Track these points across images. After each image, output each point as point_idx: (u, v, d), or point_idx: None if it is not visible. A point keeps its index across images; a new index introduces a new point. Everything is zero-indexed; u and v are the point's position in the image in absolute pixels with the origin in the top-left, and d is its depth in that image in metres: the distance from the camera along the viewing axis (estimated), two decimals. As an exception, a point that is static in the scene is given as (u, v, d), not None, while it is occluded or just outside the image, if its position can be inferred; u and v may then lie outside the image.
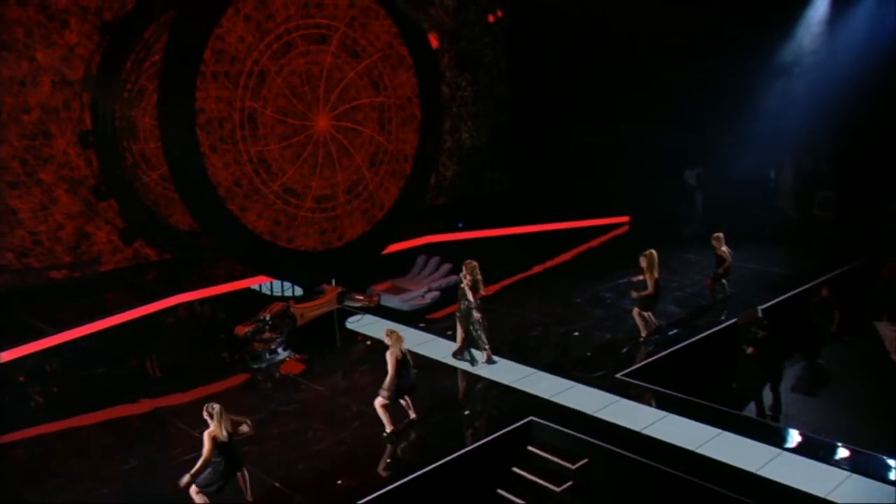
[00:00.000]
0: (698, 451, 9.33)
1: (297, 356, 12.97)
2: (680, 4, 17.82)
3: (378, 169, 14.65)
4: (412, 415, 10.35)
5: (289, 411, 11.31)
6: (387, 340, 9.95)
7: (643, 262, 12.42)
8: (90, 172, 13.60)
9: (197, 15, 12.39)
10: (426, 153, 15.24)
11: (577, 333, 13.27)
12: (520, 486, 9.96)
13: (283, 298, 14.08)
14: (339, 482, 9.33)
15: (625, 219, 19.56)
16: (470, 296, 11.98)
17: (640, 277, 12.58)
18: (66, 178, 13.35)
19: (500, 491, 9.93)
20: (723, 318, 13.37)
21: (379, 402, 10.13)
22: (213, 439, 8.07)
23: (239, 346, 12.76)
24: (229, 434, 8.24)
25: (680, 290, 15.02)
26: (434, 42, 18.43)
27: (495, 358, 12.05)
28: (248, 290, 14.37)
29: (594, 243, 18.63)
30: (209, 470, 8.32)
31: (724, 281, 14.15)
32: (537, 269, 17.23)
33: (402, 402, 10.32)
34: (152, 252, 14.42)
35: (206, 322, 13.89)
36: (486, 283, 16.04)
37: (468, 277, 12.04)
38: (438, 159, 16.52)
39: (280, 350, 12.81)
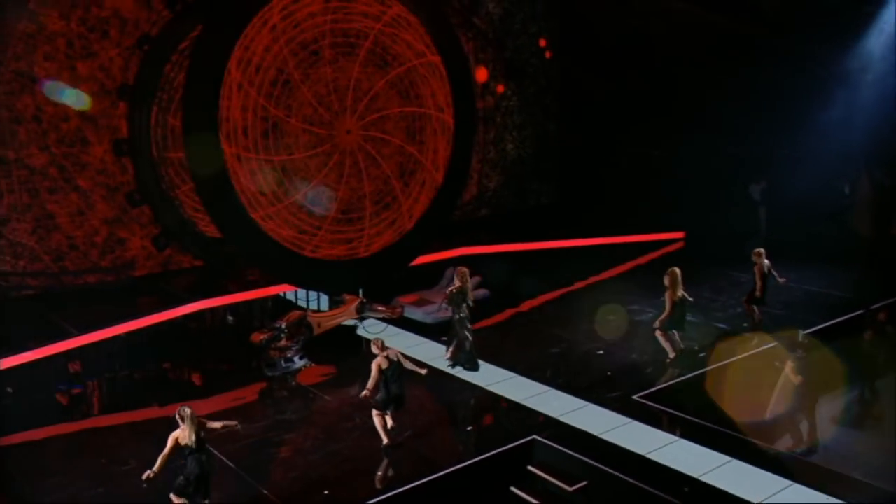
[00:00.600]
0: (701, 478, 8.77)
1: (313, 365, 12.91)
2: (739, 10, 17.02)
3: (407, 179, 14.48)
4: (389, 422, 10.06)
5: (293, 420, 11.27)
6: (374, 349, 9.89)
7: (666, 281, 11.93)
8: (125, 179, 13.97)
9: (222, 25, 12.57)
10: (458, 163, 14.96)
11: (601, 352, 12.73)
12: (515, 507, 9.58)
13: (305, 307, 14.07)
14: (326, 492, 9.21)
15: (679, 234, 18.73)
16: (445, 302, 12.15)
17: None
18: (102, 184, 13.75)
19: (493, 511, 9.58)
20: (756, 341, 12.54)
21: (374, 412, 10.03)
22: (176, 440, 8.04)
23: (255, 354, 12.80)
24: (200, 440, 8.17)
25: (721, 311, 14.27)
26: (483, 76, 18.16)
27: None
28: (276, 298, 14.42)
29: (642, 260, 17.87)
30: (181, 476, 8.33)
31: (753, 305, 13.20)
32: (579, 284, 16.67)
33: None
34: (185, 258, 14.68)
35: (228, 328, 14.03)
36: (525, 298, 15.89)
37: (457, 283, 11.98)
38: (470, 170, 16.14)
39: (296, 359, 12.76)
